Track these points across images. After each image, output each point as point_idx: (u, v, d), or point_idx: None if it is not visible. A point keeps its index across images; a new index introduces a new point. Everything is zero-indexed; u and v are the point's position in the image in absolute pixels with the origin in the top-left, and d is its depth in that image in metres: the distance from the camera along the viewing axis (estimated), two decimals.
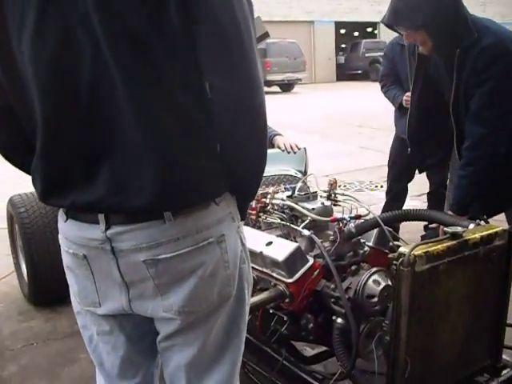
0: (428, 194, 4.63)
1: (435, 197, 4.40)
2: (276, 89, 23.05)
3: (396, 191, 4.43)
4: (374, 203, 4.54)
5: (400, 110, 4.43)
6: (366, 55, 27.97)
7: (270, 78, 21.63)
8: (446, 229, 1.99)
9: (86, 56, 1.24)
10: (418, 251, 1.82)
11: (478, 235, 1.98)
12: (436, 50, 2.64)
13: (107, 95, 1.26)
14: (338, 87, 24.40)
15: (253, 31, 1.31)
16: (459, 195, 2.68)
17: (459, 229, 1.96)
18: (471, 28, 2.49)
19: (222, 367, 1.54)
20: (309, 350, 2.73)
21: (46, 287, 3.69)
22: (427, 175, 4.52)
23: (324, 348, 2.56)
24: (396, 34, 4.67)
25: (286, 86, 23.30)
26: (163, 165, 1.30)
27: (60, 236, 1.51)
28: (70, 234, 1.45)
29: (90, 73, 1.25)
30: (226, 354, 1.54)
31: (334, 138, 10.74)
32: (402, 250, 1.84)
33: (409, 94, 4.40)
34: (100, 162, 1.32)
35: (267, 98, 1.40)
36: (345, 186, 6.91)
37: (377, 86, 4.72)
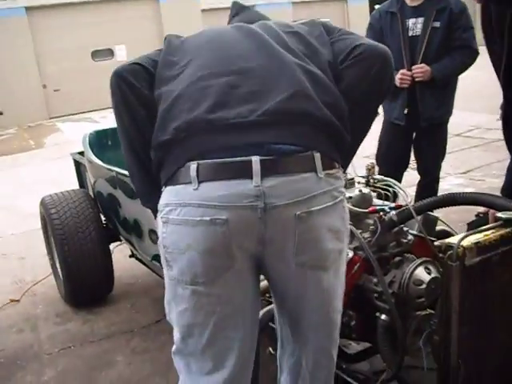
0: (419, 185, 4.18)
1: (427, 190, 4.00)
2: None
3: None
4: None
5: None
6: None
7: None
8: (498, 214, 1.77)
9: None
10: (466, 242, 1.62)
11: None
12: None
13: None
14: None
15: None
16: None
17: None
18: None
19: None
20: (354, 345, 2.58)
21: (80, 288, 3.63)
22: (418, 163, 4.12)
23: (369, 344, 2.40)
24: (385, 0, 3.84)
25: None
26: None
27: (181, 211, 1.48)
28: (208, 196, 1.45)
29: None
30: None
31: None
32: (448, 241, 1.65)
33: (403, 71, 3.70)
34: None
35: None
36: None
37: None
